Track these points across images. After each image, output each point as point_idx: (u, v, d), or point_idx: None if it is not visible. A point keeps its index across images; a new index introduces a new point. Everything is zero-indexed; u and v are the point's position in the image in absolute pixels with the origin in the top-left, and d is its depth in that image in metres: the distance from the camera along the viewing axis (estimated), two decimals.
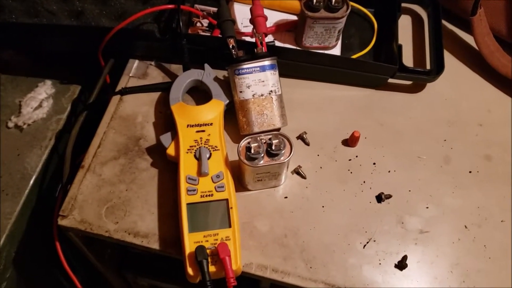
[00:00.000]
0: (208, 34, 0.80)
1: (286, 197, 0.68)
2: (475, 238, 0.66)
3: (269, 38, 0.79)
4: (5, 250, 0.73)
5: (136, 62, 0.79)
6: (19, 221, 0.74)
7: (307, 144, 0.72)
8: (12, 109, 0.82)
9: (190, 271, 0.58)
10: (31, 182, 0.76)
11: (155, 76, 0.78)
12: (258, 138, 0.62)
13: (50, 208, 0.74)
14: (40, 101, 0.82)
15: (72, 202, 0.66)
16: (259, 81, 0.68)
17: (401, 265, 0.64)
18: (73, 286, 0.75)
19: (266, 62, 0.68)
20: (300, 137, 0.72)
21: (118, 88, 0.76)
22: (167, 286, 0.94)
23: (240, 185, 0.68)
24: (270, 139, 0.62)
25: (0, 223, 0.72)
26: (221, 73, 0.74)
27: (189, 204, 0.62)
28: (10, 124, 0.80)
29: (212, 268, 0.58)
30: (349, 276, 0.63)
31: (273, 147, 0.62)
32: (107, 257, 0.84)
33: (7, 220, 0.73)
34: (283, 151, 0.62)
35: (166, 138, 0.68)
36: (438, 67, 0.75)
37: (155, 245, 0.64)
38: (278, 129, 0.70)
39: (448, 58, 0.79)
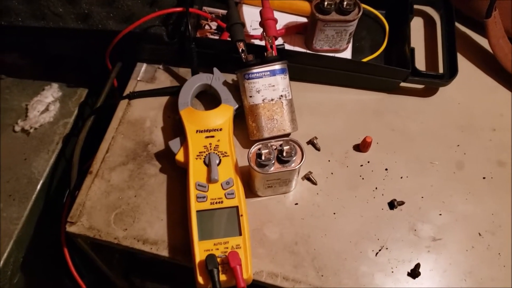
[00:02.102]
0: (217, 37, 0.79)
1: (296, 204, 0.67)
2: (489, 245, 0.65)
3: (279, 41, 0.78)
4: (13, 256, 0.72)
5: (144, 65, 0.78)
6: (27, 226, 0.73)
7: (318, 149, 0.71)
8: (19, 112, 0.81)
9: (200, 280, 0.57)
10: (38, 187, 0.75)
11: (163, 80, 0.77)
12: (268, 145, 0.61)
13: (57, 213, 0.73)
14: (46, 105, 0.81)
15: (80, 209, 0.65)
16: (269, 86, 0.67)
17: (414, 273, 0.63)
18: None
19: (277, 66, 0.67)
20: (311, 142, 0.71)
21: (126, 92, 0.75)
22: None
23: (250, 191, 0.67)
24: (281, 145, 0.61)
25: (7, 228, 0.71)
26: (230, 77, 0.73)
27: (198, 212, 0.61)
28: (17, 128, 0.79)
29: (222, 277, 0.57)
30: (361, 284, 0.62)
31: (284, 154, 0.61)
32: (115, 262, 0.84)
33: (14, 225, 0.72)
34: (294, 158, 0.61)
35: (175, 144, 0.67)
36: (451, 71, 0.74)
37: (164, 252, 0.63)
38: (288, 134, 0.69)
39: (461, 61, 0.77)
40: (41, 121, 0.80)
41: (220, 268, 0.57)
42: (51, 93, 0.82)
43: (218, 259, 0.57)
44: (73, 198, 0.67)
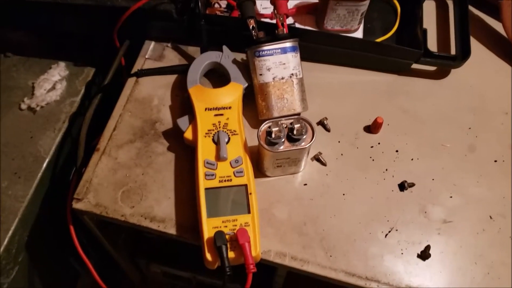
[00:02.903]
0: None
1: (305, 184, 0.66)
2: (500, 229, 0.64)
3: (289, 21, 0.77)
4: (18, 234, 0.72)
5: (152, 43, 0.77)
6: (32, 204, 0.73)
7: (328, 130, 0.70)
8: (25, 91, 0.80)
9: (208, 256, 0.57)
10: (44, 165, 0.74)
11: (172, 58, 0.76)
12: (279, 123, 0.60)
13: (63, 192, 0.72)
14: (53, 83, 0.81)
15: (87, 185, 0.65)
16: (280, 64, 0.66)
17: (424, 255, 0.62)
18: (86, 271, 0.74)
19: (288, 44, 0.66)
20: (321, 123, 0.70)
21: (134, 70, 0.74)
22: (179, 273, 0.93)
23: (258, 171, 0.66)
24: (291, 123, 0.60)
25: (12, 206, 0.71)
26: (240, 56, 0.72)
27: (207, 189, 0.60)
28: (23, 106, 0.78)
29: (231, 254, 0.56)
30: (370, 265, 0.61)
31: (295, 132, 0.60)
32: (120, 243, 0.83)
33: (19, 203, 0.71)
34: (304, 137, 0.61)
35: (183, 122, 0.66)
36: (464, 53, 0.73)
37: (171, 230, 0.62)
38: (298, 114, 0.68)
39: (474, 44, 0.76)
40: (47, 99, 0.79)
41: (228, 245, 0.56)
42: (58, 72, 0.82)
43: (227, 236, 0.57)
44: (80, 176, 0.66)
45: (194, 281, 0.95)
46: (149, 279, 1.03)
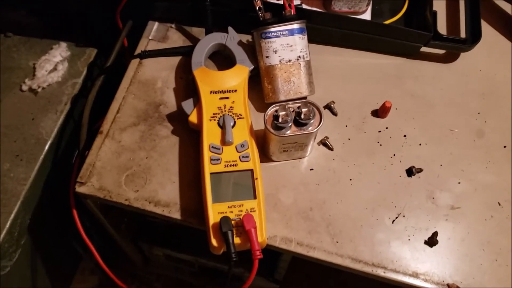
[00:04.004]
0: None
1: (311, 169, 0.65)
2: (508, 215, 0.64)
3: (296, 2, 0.75)
4: (20, 217, 0.71)
5: (156, 24, 0.75)
6: (34, 187, 0.72)
7: (335, 114, 0.69)
8: (26, 71, 0.79)
9: (214, 242, 0.56)
10: (46, 147, 0.74)
11: (176, 39, 0.74)
12: (286, 107, 0.59)
13: (66, 175, 0.71)
14: (55, 64, 0.79)
15: (90, 169, 0.64)
16: (286, 46, 0.64)
17: (431, 241, 0.61)
18: (89, 254, 0.73)
19: (295, 26, 0.64)
20: (328, 107, 0.69)
21: (137, 51, 0.72)
22: (182, 256, 0.92)
23: (264, 156, 0.65)
24: (298, 107, 0.59)
25: (14, 188, 0.70)
26: (245, 38, 0.71)
27: (212, 174, 0.59)
28: (24, 87, 0.77)
29: (237, 240, 0.56)
30: (376, 251, 0.61)
31: (302, 116, 0.59)
32: (123, 227, 0.83)
33: (21, 186, 0.71)
34: (312, 121, 0.59)
35: (188, 105, 0.65)
36: (474, 36, 0.71)
37: (176, 214, 0.61)
38: (305, 98, 0.67)
39: (484, 27, 0.74)
40: (49, 80, 0.78)
41: (234, 231, 0.56)
42: (59, 52, 0.80)
43: (232, 222, 0.56)
44: (82, 159, 0.65)
45: (197, 264, 0.95)
46: (152, 262, 1.03)
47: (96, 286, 1.12)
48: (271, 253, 0.64)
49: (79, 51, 0.81)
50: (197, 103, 0.65)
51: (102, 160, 0.64)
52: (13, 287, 0.76)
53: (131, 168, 0.64)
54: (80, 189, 0.63)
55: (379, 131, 0.68)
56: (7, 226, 0.69)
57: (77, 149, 0.70)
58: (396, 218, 0.63)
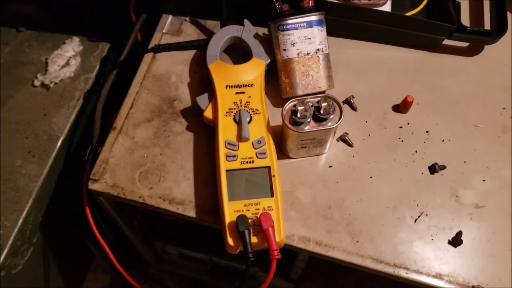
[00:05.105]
0: None
1: (330, 166, 0.63)
2: None
3: None
4: (32, 215, 0.70)
5: (170, 17, 0.73)
6: (47, 184, 0.71)
7: (355, 109, 0.67)
8: (38, 67, 0.78)
9: (230, 241, 0.54)
10: (59, 143, 0.73)
11: (190, 33, 0.72)
12: (304, 101, 0.57)
13: (78, 172, 0.70)
14: (67, 59, 0.78)
15: (103, 166, 0.62)
16: (305, 38, 0.62)
17: (456, 241, 0.59)
18: (101, 252, 0.72)
19: (313, 17, 0.62)
20: (347, 102, 0.67)
21: (151, 45, 0.71)
22: (195, 254, 0.91)
23: (281, 152, 0.63)
24: (318, 102, 0.57)
25: (26, 185, 0.69)
26: (261, 31, 0.69)
27: (228, 171, 0.58)
28: (36, 83, 0.76)
29: (254, 239, 0.54)
30: (398, 251, 0.59)
31: (322, 111, 0.57)
32: (136, 224, 0.81)
33: (33, 183, 0.70)
34: (331, 116, 0.57)
35: (203, 100, 0.63)
36: (500, 28, 0.69)
37: (191, 212, 0.60)
38: (323, 92, 0.65)
39: (509, 19, 0.71)
40: (61, 76, 0.77)
41: (251, 230, 0.54)
42: (71, 47, 0.79)
43: (249, 221, 0.54)
44: (96, 155, 0.64)
45: (211, 262, 0.94)
46: (165, 260, 1.02)
47: (109, 285, 1.11)
48: (288, 252, 0.62)
49: (91, 45, 0.80)
50: (212, 98, 0.63)
51: (116, 157, 0.63)
52: (25, 285, 0.75)
53: (145, 165, 0.62)
54: (93, 186, 0.61)
55: (400, 127, 0.66)
56: (19, 223, 0.68)
57: (90, 146, 0.68)
58: (419, 217, 0.60)
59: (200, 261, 0.94)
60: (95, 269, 1.11)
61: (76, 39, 0.80)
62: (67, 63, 0.78)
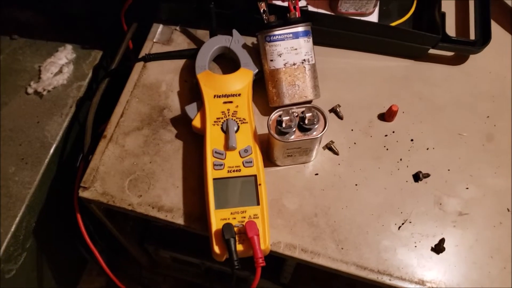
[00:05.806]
0: None
1: (316, 174, 0.64)
2: None
3: (302, 3, 0.73)
4: (25, 220, 0.71)
5: (161, 26, 0.74)
6: (39, 190, 0.72)
7: (341, 118, 0.68)
8: (31, 74, 0.79)
9: (216, 249, 0.55)
10: (51, 150, 0.73)
11: (180, 42, 0.74)
12: (290, 111, 0.58)
13: (71, 178, 0.71)
14: (60, 67, 0.79)
15: (93, 174, 0.63)
16: (291, 49, 0.63)
17: (438, 248, 0.60)
18: (93, 257, 0.73)
19: (300, 28, 0.63)
20: (333, 110, 0.68)
21: (142, 54, 0.72)
22: (189, 258, 0.92)
23: (268, 160, 0.64)
24: (302, 112, 0.58)
25: (19, 192, 0.70)
26: (250, 40, 0.70)
27: (215, 179, 0.59)
28: (30, 90, 0.77)
29: (239, 247, 0.55)
30: (382, 258, 0.60)
31: (306, 121, 0.58)
32: (129, 230, 0.82)
33: (26, 189, 0.71)
34: (316, 126, 0.58)
35: (191, 109, 0.64)
36: (484, 37, 0.70)
37: (179, 220, 0.61)
38: (310, 101, 0.66)
39: (493, 29, 0.72)
40: (54, 83, 0.78)
41: (236, 238, 0.55)
42: (64, 55, 0.80)
43: (235, 229, 0.55)
44: (87, 163, 0.65)
45: (203, 266, 0.95)
46: (158, 264, 1.03)
47: (104, 287, 1.12)
48: (276, 257, 0.64)
49: (84, 53, 0.81)
50: (201, 107, 0.64)
51: (106, 165, 0.64)
52: None
53: (135, 173, 0.64)
54: (83, 194, 0.62)
55: (386, 135, 0.67)
56: (12, 229, 0.69)
57: (81, 153, 0.70)
58: (403, 224, 0.62)
59: (193, 265, 0.95)
60: (90, 272, 1.12)
61: (69, 47, 0.81)
62: (60, 71, 0.79)
